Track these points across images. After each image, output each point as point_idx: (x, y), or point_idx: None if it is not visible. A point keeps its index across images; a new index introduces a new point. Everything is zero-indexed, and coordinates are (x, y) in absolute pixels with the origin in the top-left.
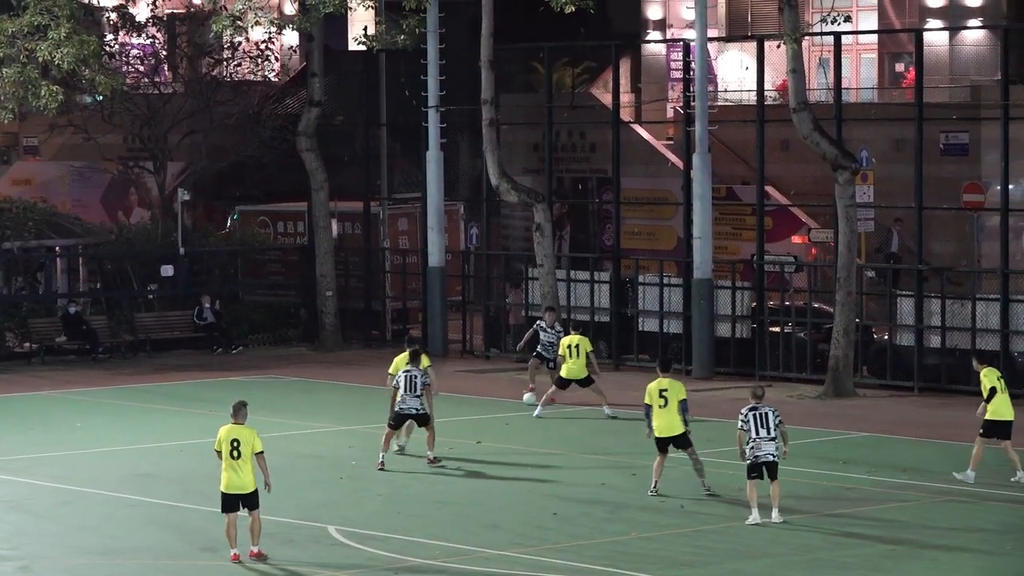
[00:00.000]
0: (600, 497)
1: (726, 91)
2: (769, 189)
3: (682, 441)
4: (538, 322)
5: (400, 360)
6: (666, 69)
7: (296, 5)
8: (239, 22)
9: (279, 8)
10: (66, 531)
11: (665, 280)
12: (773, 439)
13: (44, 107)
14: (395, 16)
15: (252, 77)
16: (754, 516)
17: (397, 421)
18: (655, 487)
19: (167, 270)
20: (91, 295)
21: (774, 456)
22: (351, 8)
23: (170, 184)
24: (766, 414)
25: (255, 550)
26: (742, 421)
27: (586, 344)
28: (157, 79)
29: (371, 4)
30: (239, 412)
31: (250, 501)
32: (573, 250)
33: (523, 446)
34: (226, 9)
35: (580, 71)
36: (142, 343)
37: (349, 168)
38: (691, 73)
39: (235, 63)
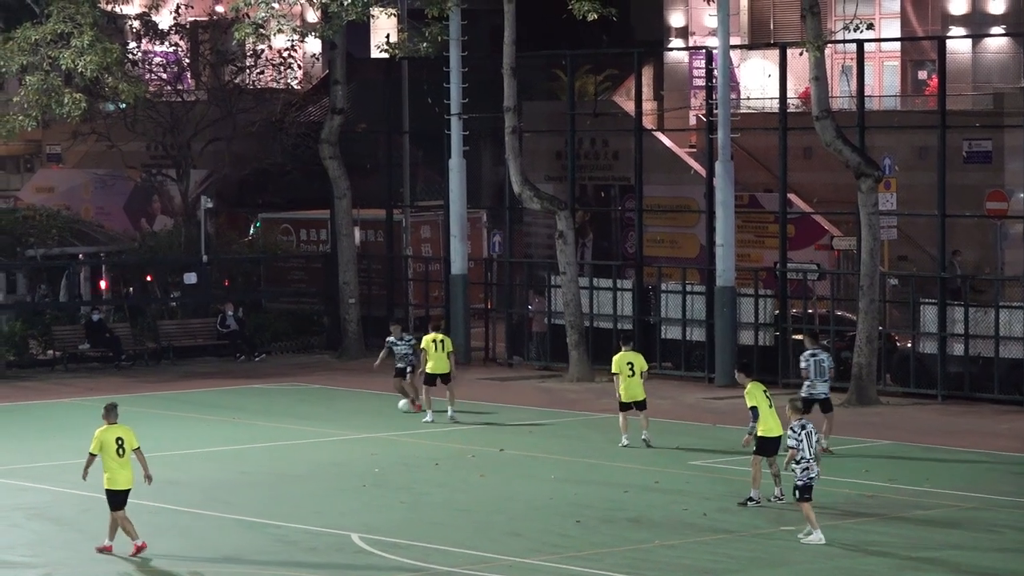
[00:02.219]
0: (623, 505)
1: (748, 99)
2: (792, 197)
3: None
4: (388, 339)
5: (620, 359)
6: (688, 77)
7: (319, 13)
8: (262, 30)
9: (302, 16)
10: (88, 538)
11: (688, 288)
12: (816, 459)
13: (67, 115)
14: (417, 24)
15: (275, 85)
16: (818, 535)
17: (806, 406)
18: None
19: (190, 277)
20: (114, 302)
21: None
22: (373, 16)
23: (193, 192)
24: (811, 432)
25: (110, 544)
26: (795, 439)
27: (449, 343)
28: (180, 87)
29: (393, 12)
30: (112, 412)
31: (126, 498)
32: (596, 258)
33: (545, 453)
34: (249, 17)
35: (602, 79)
36: (165, 350)
37: (372, 176)
38: (713, 81)
39: (258, 71)
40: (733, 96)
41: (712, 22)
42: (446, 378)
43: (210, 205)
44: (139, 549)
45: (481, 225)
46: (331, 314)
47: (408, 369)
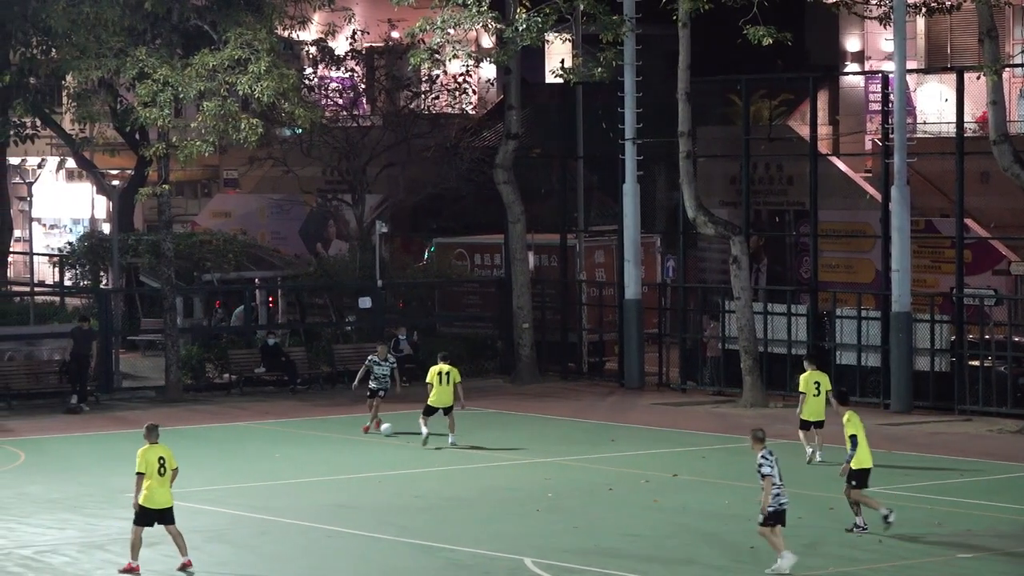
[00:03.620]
0: (797, 532)
1: (925, 123)
2: (968, 222)
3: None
4: (370, 356)
5: (808, 378)
6: (864, 101)
7: (493, 38)
8: (437, 55)
9: (476, 41)
10: (264, 561)
11: (863, 313)
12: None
13: (244, 140)
14: (592, 49)
15: (449, 110)
16: (789, 557)
17: None
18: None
19: (365, 302)
20: (289, 327)
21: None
22: (548, 41)
23: (368, 216)
24: (777, 458)
25: (188, 559)
26: (769, 466)
27: (456, 375)
28: (355, 112)
29: (568, 37)
30: (154, 432)
31: (169, 516)
32: (770, 283)
33: (719, 479)
34: (424, 43)
35: (777, 103)
36: (340, 374)
37: (546, 200)
38: (890, 105)
39: (433, 96)
40: (909, 120)
41: (888, 46)
42: (448, 410)
43: (385, 230)
44: (185, 566)
45: (655, 250)
46: (505, 339)
47: (380, 392)
